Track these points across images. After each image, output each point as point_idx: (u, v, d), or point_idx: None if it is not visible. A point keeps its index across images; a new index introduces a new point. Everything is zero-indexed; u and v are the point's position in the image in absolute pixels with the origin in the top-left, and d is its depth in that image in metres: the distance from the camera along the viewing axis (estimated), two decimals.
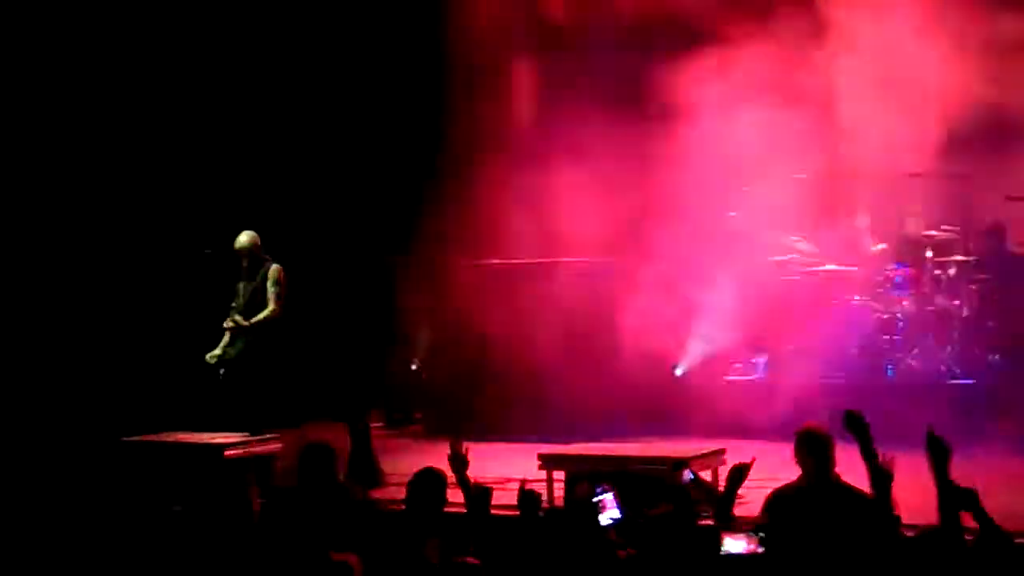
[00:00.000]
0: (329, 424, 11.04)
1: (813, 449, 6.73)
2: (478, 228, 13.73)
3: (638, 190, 12.34)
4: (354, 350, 10.02)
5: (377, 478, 10.15)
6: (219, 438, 10.39)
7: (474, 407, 12.55)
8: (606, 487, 6.70)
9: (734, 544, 5.73)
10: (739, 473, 6.54)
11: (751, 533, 5.69)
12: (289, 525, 6.45)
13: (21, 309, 13.17)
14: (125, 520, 6.87)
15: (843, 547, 6.05)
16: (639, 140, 12.26)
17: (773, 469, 7.85)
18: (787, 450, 6.94)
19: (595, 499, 6.53)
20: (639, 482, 8.17)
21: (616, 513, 6.52)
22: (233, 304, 10.73)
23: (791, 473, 6.89)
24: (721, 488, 6.78)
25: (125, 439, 10.54)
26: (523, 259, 13.02)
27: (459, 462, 6.98)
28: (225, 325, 10.67)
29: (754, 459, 6.65)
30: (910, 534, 6.06)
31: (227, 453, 10.02)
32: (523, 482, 6.93)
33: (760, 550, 5.57)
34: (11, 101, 13.14)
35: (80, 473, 10.01)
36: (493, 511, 7.39)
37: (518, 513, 6.59)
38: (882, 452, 6.06)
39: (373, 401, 10.10)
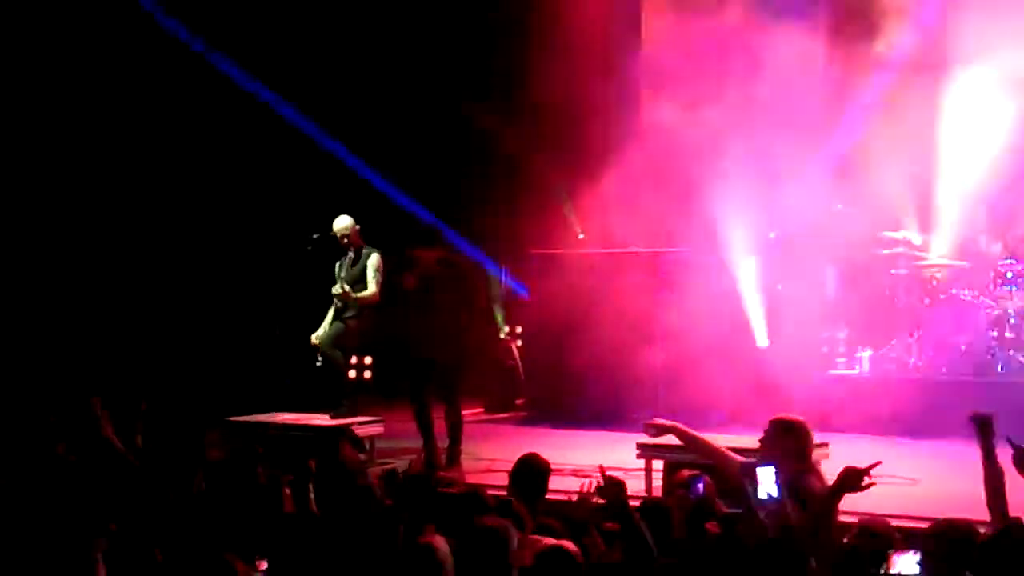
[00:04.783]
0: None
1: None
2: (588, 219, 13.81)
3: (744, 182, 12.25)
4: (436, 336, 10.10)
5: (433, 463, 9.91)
6: (322, 420, 10.53)
7: (575, 395, 12.55)
8: (705, 478, 6.57)
9: (904, 562, 5.25)
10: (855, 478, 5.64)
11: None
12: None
13: (134, 294, 13.47)
14: (228, 498, 6.95)
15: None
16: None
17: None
18: (889, 446, 6.83)
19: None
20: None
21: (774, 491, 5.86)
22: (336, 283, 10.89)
23: (895, 469, 6.79)
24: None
25: (231, 419, 10.72)
26: (629, 248, 12.99)
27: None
28: (333, 291, 10.80)
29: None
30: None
31: None
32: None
33: None
34: (140, 94, 13.49)
35: (187, 453, 10.16)
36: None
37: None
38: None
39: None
